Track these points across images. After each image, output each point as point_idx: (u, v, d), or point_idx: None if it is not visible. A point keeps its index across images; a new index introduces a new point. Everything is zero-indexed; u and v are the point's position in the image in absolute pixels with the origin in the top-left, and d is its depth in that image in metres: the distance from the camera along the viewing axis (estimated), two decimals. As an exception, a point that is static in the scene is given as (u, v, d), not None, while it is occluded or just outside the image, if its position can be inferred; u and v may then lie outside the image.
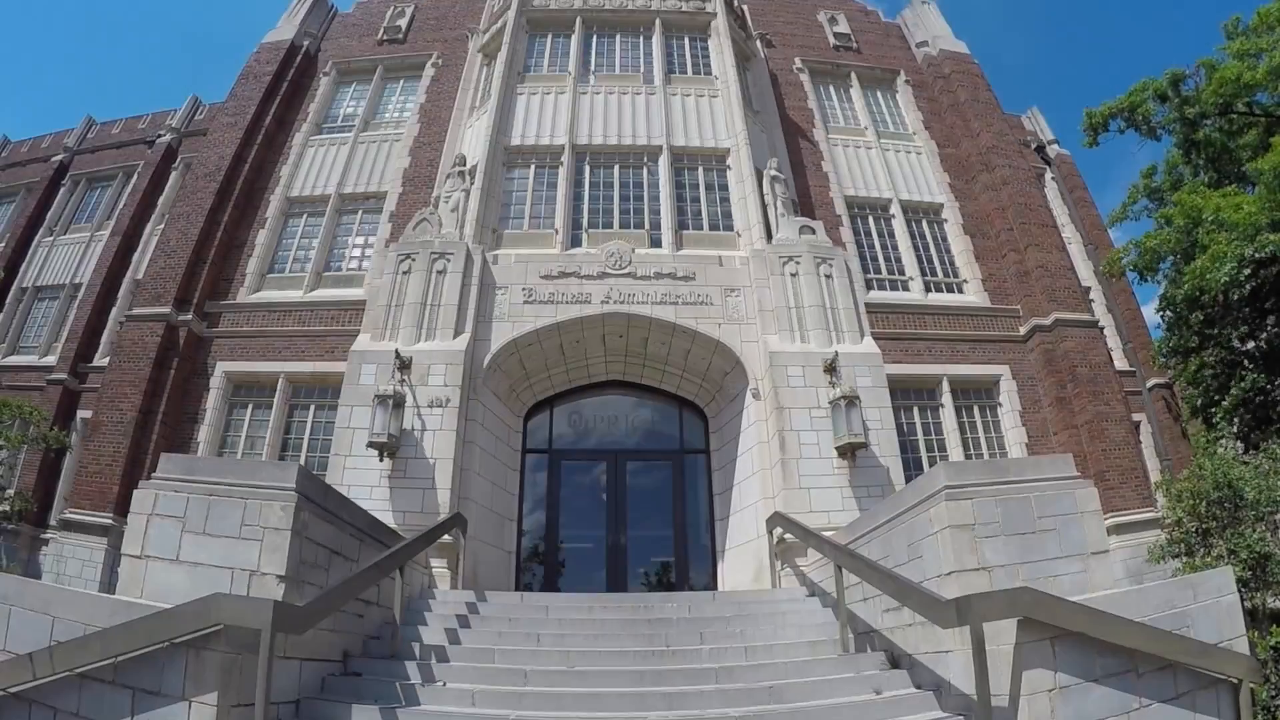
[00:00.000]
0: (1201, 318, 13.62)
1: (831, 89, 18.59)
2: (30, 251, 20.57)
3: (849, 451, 10.97)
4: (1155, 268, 14.88)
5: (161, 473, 6.08)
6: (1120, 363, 17.70)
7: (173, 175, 20.15)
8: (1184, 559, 9.68)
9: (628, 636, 7.64)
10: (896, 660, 6.56)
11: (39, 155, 22.66)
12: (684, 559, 12.74)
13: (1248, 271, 11.91)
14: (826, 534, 8.66)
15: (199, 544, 5.60)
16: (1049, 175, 20.51)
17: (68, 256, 20.19)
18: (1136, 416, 17.05)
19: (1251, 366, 13.21)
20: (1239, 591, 8.88)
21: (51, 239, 20.76)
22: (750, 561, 11.42)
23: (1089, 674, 4.96)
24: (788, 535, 10.01)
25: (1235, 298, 12.34)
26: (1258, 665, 5.46)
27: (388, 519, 9.79)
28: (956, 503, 5.81)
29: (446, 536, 9.72)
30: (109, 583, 12.42)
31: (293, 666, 5.43)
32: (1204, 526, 9.66)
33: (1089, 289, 18.32)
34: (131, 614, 4.82)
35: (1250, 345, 13.47)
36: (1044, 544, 5.88)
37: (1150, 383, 17.51)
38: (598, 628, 7.91)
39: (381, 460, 10.66)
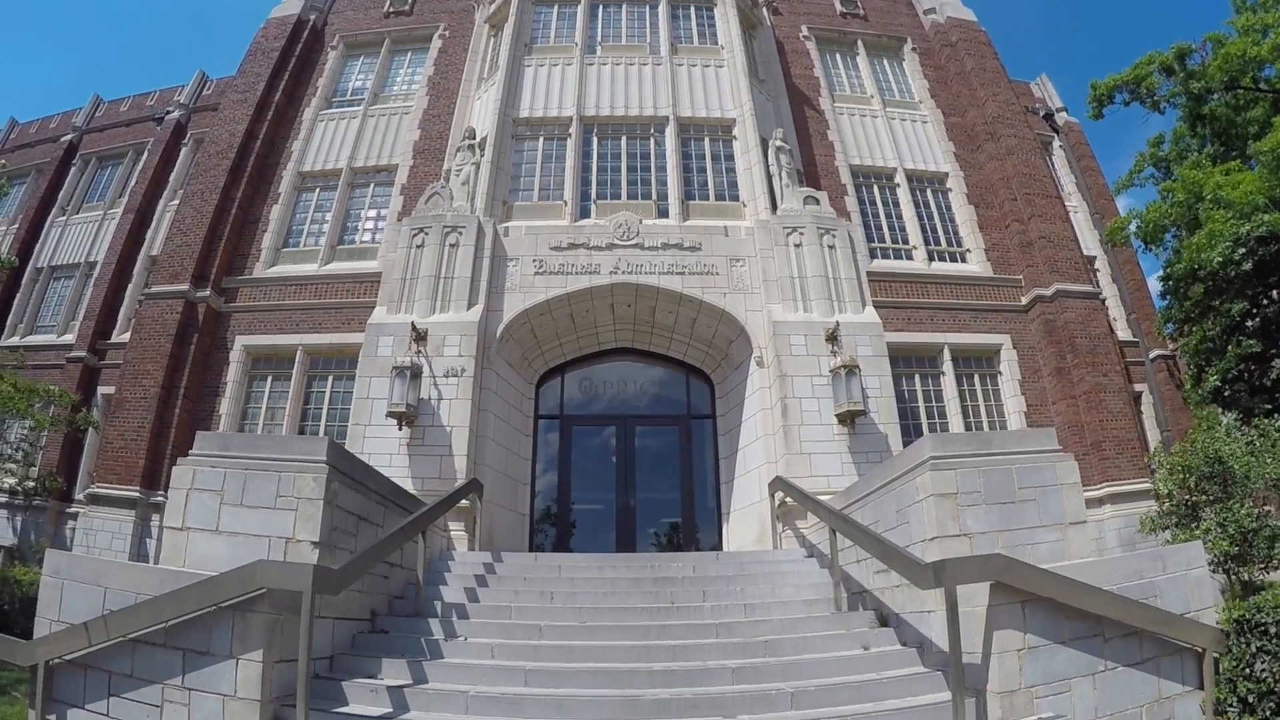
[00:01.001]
0: (1201, 290, 13.73)
1: (838, 57, 18.50)
2: (44, 232, 20.86)
3: (849, 418, 11.34)
4: (1159, 239, 14.96)
5: (198, 449, 6.53)
6: (1124, 332, 17.82)
7: (183, 151, 20.33)
8: (1173, 531, 9.99)
9: (636, 594, 8.12)
10: (885, 619, 7.01)
11: (48, 135, 22.77)
12: (691, 520, 13.25)
13: (1243, 250, 12.03)
14: (824, 498, 9.07)
15: (237, 515, 6.06)
16: (1057, 143, 20.39)
17: (81, 235, 20.46)
18: (1139, 386, 17.23)
19: (1250, 336, 13.37)
20: (1228, 566, 9.25)
21: (64, 219, 21.03)
22: (754, 523, 11.89)
23: (1057, 636, 5.36)
24: (788, 499, 10.44)
25: (1232, 275, 12.47)
26: (1221, 635, 5.73)
27: (407, 485, 10.29)
28: (941, 473, 6.19)
29: (464, 501, 10.21)
30: (138, 553, 13.04)
31: (327, 625, 5.93)
32: (1193, 500, 9.95)
33: (1094, 258, 18.37)
34: (179, 582, 5.30)
35: (1254, 322, 13.58)
36: (1023, 513, 6.24)
37: (1153, 353, 17.60)
38: (608, 586, 8.40)
39: (400, 429, 11.13)
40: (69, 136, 22.24)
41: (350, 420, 11.86)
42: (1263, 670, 5.18)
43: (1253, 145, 12.71)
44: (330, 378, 14.25)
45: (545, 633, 6.79)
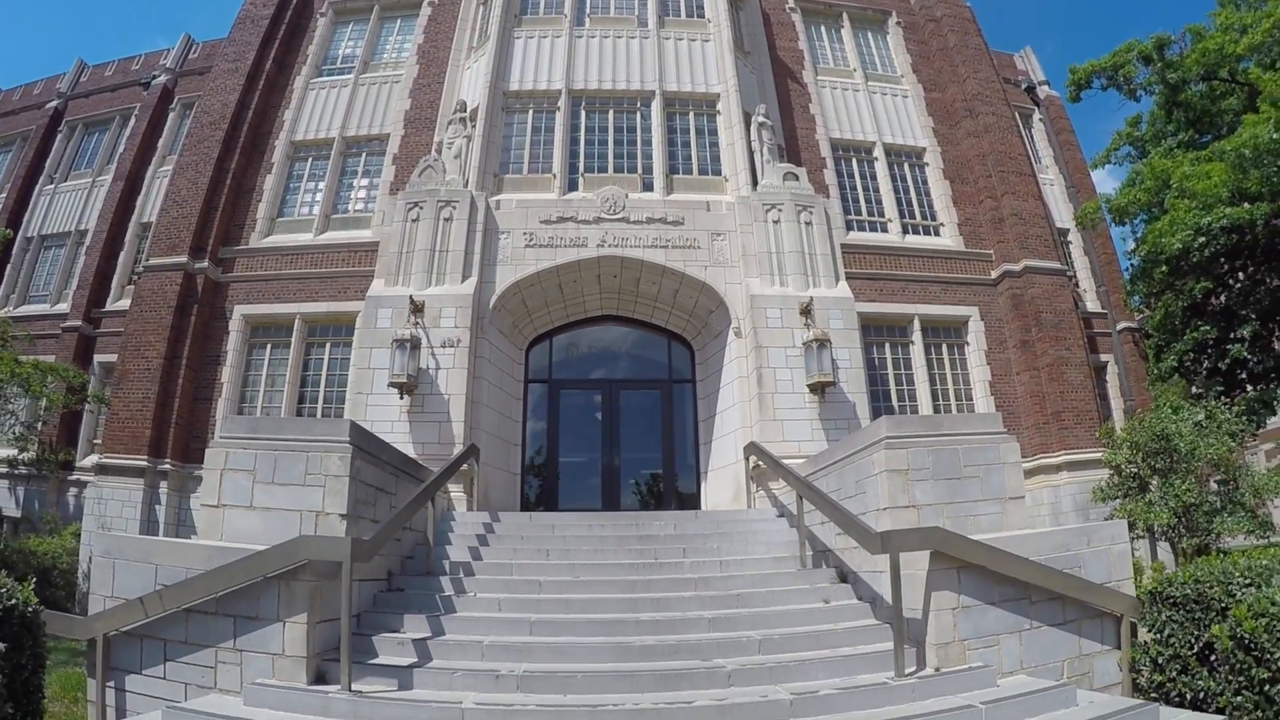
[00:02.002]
0: (1165, 270, 14.41)
1: (823, 29, 18.74)
2: (32, 200, 20.78)
3: (819, 388, 12.13)
4: (1127, 220, 15.64)
5: (227, 432, 7.20)
6: (1093, 304, 18.53)
7: (170, 116, 20.28)
8: (1122, 500, 10.89)
9: (623, 551, 8.99)
10: (844, 576, 7.91)
11: (32, 102, 22.45)
12: (672, 478, 14.17)
13: (1203, 239, 12.70)
14: (794, 463, 9.93)
15: (269, 492, 6.76)
16: (1037, 116, 20.83)
17: (71, 203, 20.41)
18: (1105, 356, 17.98)
19: (1206, 320, 14.10)
20: (1169, 535, 10.19)
21: (53, 187, 20.93)
22: (730, 483, 12.79)
23: (987, 598, 6.22)
24: (761, 463, 11.30)
25: (1194, 260, 13.15)
26: (1137, 604, 6.46)
27: (409, 450, 10.97)
28: (894, 451, 7.02)
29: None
30: (148, 520, 13.59)
31: (354, 587, 6.69)
32: (1140, 473, 10.86)
33: (1067, 231, 18.95)
34: (226, 557, 5.97)
35: (1218, 300, 14.28)
36: (967, 488, 7.10)
37: (1120, 325, 18.25)
38: (597, 543, 9.25)
39: (401, 398, 11.78)
40: (54, 103, 21.97)
41: (352, 389, 12.51)
42: (1171, 637, 5.90)
43: (1217, 144, 13.24)
44: (328, 345, 14.80)
45: (544, 587, 7.60)
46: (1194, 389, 14.65)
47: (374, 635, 6.33)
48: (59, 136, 21.68)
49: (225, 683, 5.85)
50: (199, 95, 19.30)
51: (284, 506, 6.68)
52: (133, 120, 20.53)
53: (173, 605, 5.99)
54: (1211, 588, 5.66)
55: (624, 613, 7.03)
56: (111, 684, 6.15)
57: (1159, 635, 6.01)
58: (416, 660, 5.97)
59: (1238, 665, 4.51)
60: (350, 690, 5.44)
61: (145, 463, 13.79)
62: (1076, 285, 19.03)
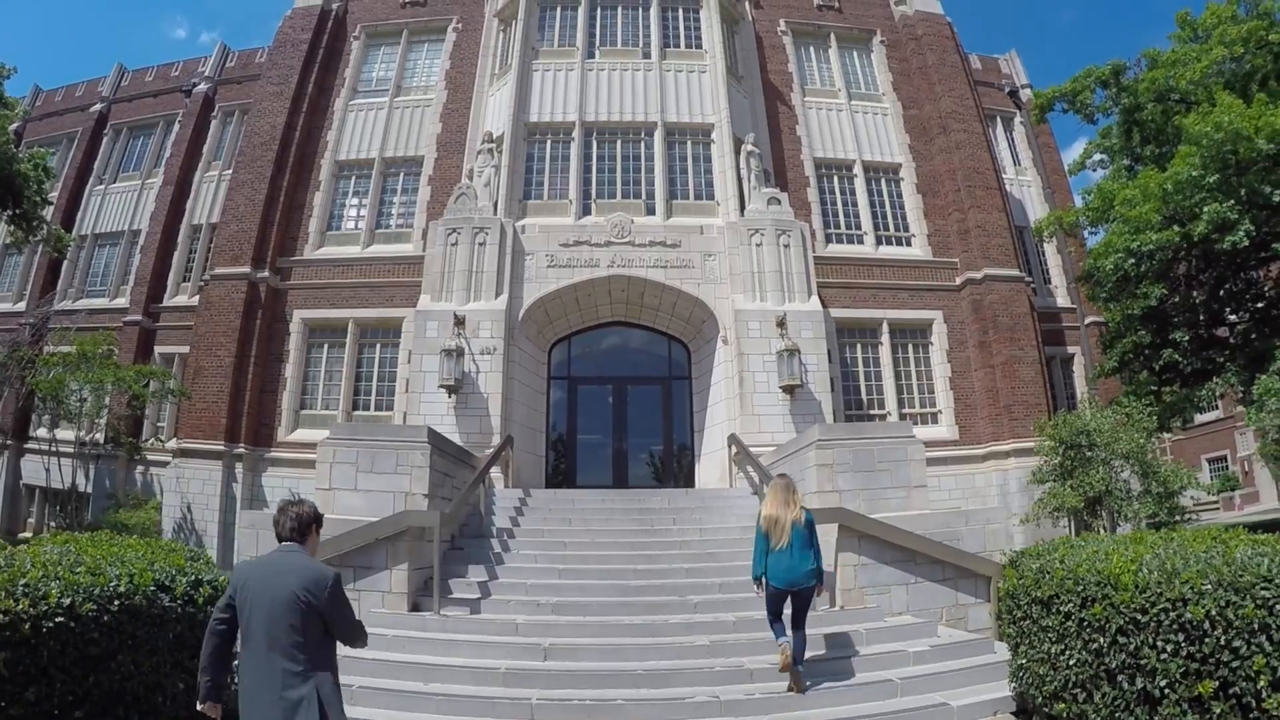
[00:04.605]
0: (1112, 283, 15.61)
1: (811, 50, 20.64)
2: (84, 200, 22.80)
3: (790, 389, 14.58)
4: (1078, 234, 17.42)
5: (332, 435, 9.84)
6: (1063, 299, 20.54)
7: (213, 124, 22.39)
8: (1051, 485, 12.93)
9: (627, 520, 11.60)
10: (793, 541, 10.43)
11: (75, 104, 24.24)
12: (671, 459, 16.84)
13: (1133, 261, 14.54)
14: (766, 449, 12.57)
15: (368, 479, 9.35)
16: (1018, 119, 22.69)
17: (121, 204, 22.41)
18: (1072, 349, 20.03)
19: (1144, 326, 15.63)
20: (1084, 518, 12.30)
21: (103, 188, 22.91)
22: (718, 465, 15.30)
23: (881, 559, 8.54)
24: (739, 450, 13.79)
25: (1132, 275, 14.83)
26: (1000, 569, 8.16)
27: (456, 438, 13.42)
28: (822, 450, 9.52)
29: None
30: (226, 496, 15.93)
31: (431, 547, 9.28)
32: (1064, 463, 13.05)
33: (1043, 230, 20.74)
34: (347, 527, 8.41)
35: (1176, 298, 15.64)
36: (879, 478, 9.58)
37: (1088, 319, 20.06)
38: (608, 514, 11.88)
39: (449, 396, 14.36)
40: (98, 106, 23.81)
41: (407, 389, 15.07)
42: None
43: (1147, 176, 14.71)
44: (378, 345, 17.36)
45: (568, 546, 10.23)
46: (1131, 387, 16.14)
47: (449, 579, 8.92)
48: (105, 139, 23.55)
49: (346, 614, 8.43)
50: (240, 103, 21.57)
51: (380, 489, 9.29)
52: (176, 126, 22.49)
53: (310, 564, 8.53)
54: (1048, 560, 7.07)
55: (626, 564, 9.60)
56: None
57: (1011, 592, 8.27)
58: (480, 595, 8.57)
59: (1009, 608, 6.85)
60: (439, 614, 8.06)
61: (222, 447, 16.22)
62: (1048, 282, 21.05)
